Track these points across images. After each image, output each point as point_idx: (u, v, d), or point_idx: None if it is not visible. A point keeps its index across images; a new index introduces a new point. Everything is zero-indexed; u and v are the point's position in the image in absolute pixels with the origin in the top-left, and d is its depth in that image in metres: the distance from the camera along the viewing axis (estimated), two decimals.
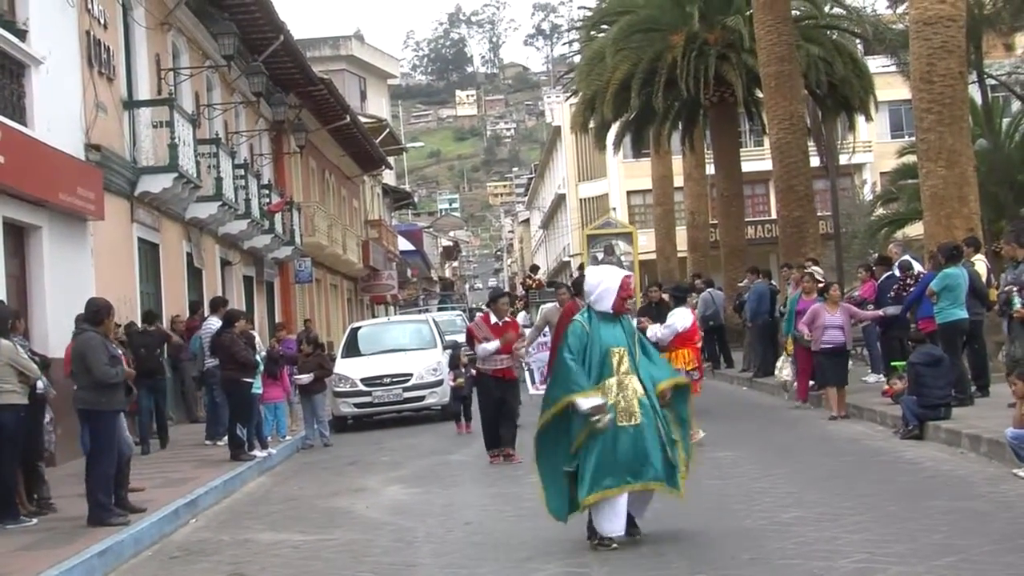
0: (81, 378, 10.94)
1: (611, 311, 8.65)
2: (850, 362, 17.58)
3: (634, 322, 9.44)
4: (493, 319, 14.54)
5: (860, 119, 33.42)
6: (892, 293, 16.91)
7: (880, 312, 16.94)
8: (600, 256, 27.75)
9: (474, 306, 61.91)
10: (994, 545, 7.81)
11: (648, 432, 8.37)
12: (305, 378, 18.17)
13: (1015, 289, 12.67)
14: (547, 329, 16.77)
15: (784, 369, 17.88)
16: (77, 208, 17.02)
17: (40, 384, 11.27)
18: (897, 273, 17.12)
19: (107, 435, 10.83)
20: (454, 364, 18.51)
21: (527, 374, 18.39)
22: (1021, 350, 12.88)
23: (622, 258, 28.17)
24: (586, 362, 8.48)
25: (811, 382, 17.18)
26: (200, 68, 25.08)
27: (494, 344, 14.17)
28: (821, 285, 17.44)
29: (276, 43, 27.38)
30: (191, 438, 18.50)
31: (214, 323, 17.43)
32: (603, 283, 8.74)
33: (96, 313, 11.16)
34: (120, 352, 11.75)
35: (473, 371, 16.80)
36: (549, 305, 17.97)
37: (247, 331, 16.50)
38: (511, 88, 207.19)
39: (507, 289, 41.89)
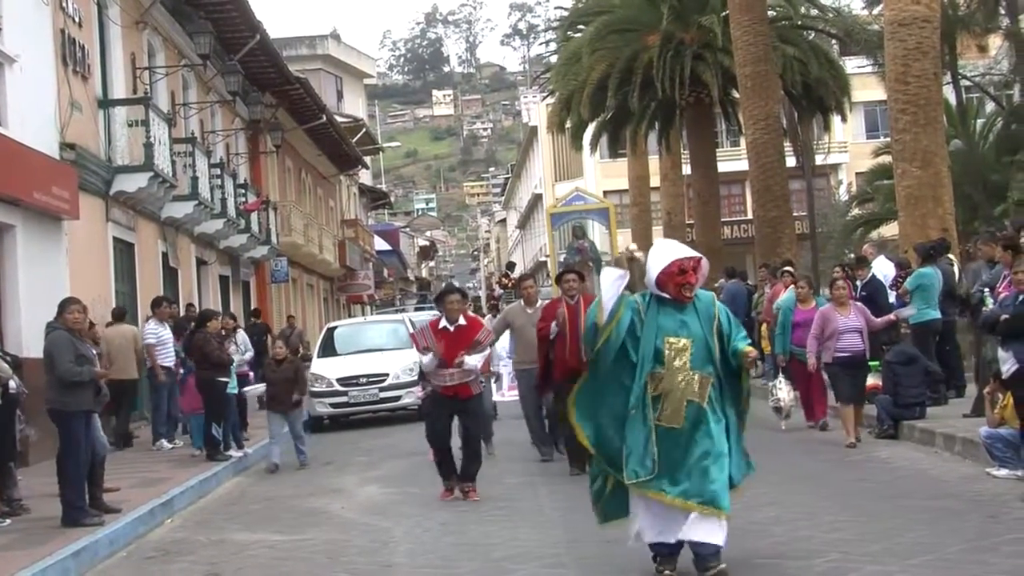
0: (48, 377, 10.87)
1: (661, 294, 7.56)
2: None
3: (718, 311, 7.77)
4: (442, 323, 11.74)
5: (836, 119, 33.53)
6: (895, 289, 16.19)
7: (893, 316, 14.91)
8: (569, 240, 24.75)
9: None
10: (968, 544, 7.86)
11: (690, 439, 7.37)
12: (256, 389, 16.03)
13: (987, 290, 12.73)
14: (509, 332, 14.55)
15: (781, 390, 14.85)
16: (52, 207, 16.93)
17: (12, 384, 11.19)
18: (891, 271, 17.09)
19: (73, 436, 10.72)
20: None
21: (493, 382, 15.96)
22: (993, 351, 12.95)
23: (595, 241, 25.65)
24: (639, 350, 7.50)
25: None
26: (176, 67, 24.98)
27: (429, 357, 11.59)
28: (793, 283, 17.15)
29: (252, 42, 27.30)
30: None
31: (151, 325, 17.41)
32: (652, 257, 7.69)
33: (58, 308, 11.10)
34: (93, 352, 11.68)
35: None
36: (511, 305, 16.00)
37: (219, 331, 16.40)
38: (488, 88, 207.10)
39: (486, 290, 41.30)
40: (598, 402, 7.64)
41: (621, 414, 7.52)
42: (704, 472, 7.28)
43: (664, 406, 7.39)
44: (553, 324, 12.46)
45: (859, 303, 14.16)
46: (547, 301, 14.17)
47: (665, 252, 7.70)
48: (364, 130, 49.84)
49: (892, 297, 16.47)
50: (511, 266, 34.99)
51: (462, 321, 11.75)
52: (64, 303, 11.17)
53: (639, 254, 7.93)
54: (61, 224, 17.73)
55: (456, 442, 11.78)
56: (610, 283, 7.62)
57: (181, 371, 17.20)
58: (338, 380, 20.68)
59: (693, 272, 7.55)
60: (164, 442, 17.12)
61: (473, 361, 11.60)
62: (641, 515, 7.53)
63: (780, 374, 15.15)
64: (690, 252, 7.71)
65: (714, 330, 7.57)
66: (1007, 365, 10.10)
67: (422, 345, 11.73)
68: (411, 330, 15.54)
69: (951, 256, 16.51)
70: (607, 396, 7.60)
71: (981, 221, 29.62)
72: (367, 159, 54.56)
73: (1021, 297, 10.08)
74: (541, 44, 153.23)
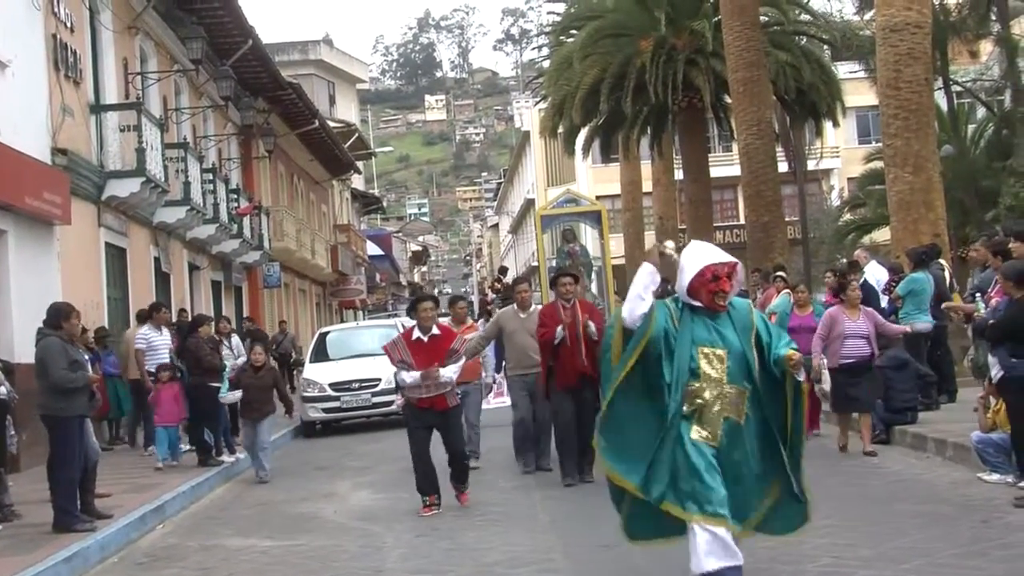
0: (41, 383, 10.85)
1: (692, 302, 6.98)
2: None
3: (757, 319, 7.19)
4: (416, 333, 11.22)
5: (828, 125, 33.57)
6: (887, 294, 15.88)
7: (908, 328, 14.46)
8: (559, 243, 24.24)
9: (443, 311, 61.59)
10: (959, 549, 7.86)
11: (726, 459, 6.80)
12: (232, 396, 15.01)
13: (978, 294, 12.75)
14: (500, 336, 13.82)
15: None
16: (43, 213, 16.91)
17: (3, 390, 11.17)
18: (883, 276, 17.08)
19: (67, 441, 10.70)
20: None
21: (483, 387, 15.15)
22: (984, 356, 12.97)
23: (587, 245, 25.33)
24: (673, 361, 6.88)
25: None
26: (168, 72, 24.96)
27: (413, 376, 11.06)
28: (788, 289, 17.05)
29: (244, 47, 27.30)
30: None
31: (144, 330, 17.31)
32: (683, 262, 7.06)
33: (54, 316, 11.05)
34: (86, 357, 11.67)
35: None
36: (504, 309, 14.96)
37: (211, 336, 16.39)
38: (480, 93, 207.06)
39: (479, 295, 41.21)
40: (629, 430, 7.00)
41: (653, 435, 6.89)
42: (737, 495, 6.76)
43: (699, 423, 6.80)
44: (559, 328, 11.94)
45: (870, 308, 13.62)
46: (540, 306, 13.62)
47: (697, 256, 7.05)
48: (357, 135, 49.84)
49: (884, 302, 16.49)
50: (503, 270, 34.81)
51: (436, 331, 11.24)
52: (64, 312, 11.08)
53: (673, 252, 7.19)
54: (53, 229, 17.71)
55: (443, 450, 11.55)
56: (642, 277, 7.04)
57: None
58: (330, 385, 20.69)
59: (728, 279, 6.90)
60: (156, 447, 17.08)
61: (449, 373, 11.11)
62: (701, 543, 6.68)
63: None
64: (725, 257, 7.04)
65: (752, 341, 6.96)
66: (995, 370, 10.11)
67: (396, 358, 11.24)
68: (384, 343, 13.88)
69: (943, 261, 16.55)
70: (638, 420, 6.99)
71: (973, 226, 29.74)
72: (359, 164, 54.62)
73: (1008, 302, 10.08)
74: (534, 49, 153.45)
